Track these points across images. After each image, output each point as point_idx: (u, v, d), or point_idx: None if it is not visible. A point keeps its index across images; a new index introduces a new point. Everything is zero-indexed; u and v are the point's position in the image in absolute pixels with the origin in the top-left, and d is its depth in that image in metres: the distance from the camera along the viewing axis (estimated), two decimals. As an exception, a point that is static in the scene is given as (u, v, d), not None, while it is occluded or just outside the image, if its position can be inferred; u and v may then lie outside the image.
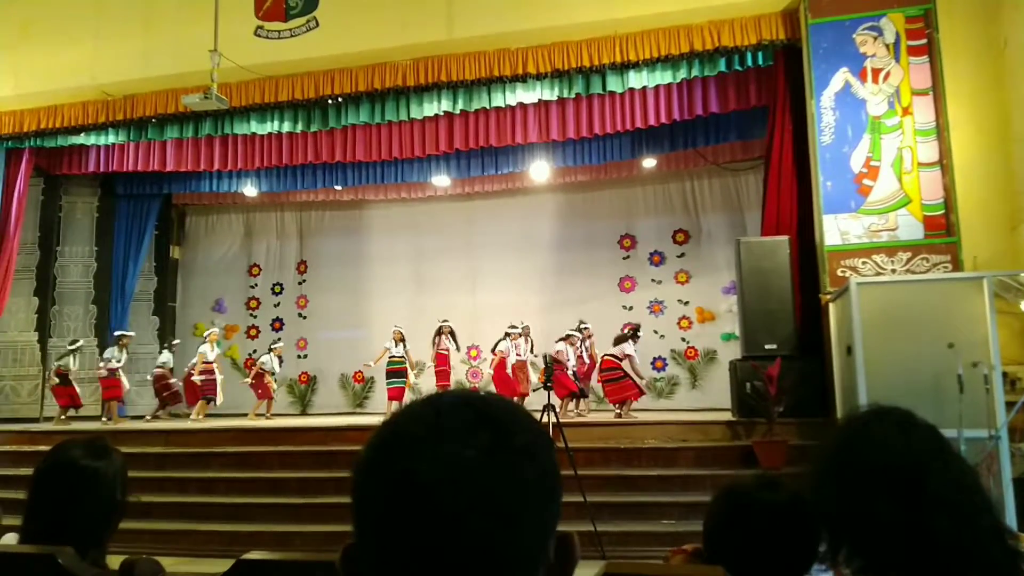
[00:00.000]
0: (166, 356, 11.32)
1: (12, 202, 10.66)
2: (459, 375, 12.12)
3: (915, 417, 1.19)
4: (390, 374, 10.77)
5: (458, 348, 11.13)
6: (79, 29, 9.41)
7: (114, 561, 1.72)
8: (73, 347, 10.71)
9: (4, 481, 7.46)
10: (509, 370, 10.18)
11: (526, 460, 0.67)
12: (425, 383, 11.42)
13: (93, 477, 1.66)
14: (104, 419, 10.64)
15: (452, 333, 11.01)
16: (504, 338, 10.31)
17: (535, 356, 10.30)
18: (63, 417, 10.48)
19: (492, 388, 10.18)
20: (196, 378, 10.99)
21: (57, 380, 10.50)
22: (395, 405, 10.49)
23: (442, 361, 10.98)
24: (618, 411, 9.36)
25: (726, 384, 8.63)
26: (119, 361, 10.73)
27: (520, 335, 10.37)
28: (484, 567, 0.63)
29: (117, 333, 11.17)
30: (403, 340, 10.93)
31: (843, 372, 6.85)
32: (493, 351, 10.51)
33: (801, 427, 7.12)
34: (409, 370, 10.84)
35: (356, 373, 12.17)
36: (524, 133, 9.40)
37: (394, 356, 10.83)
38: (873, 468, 1.13)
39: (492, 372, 10.33)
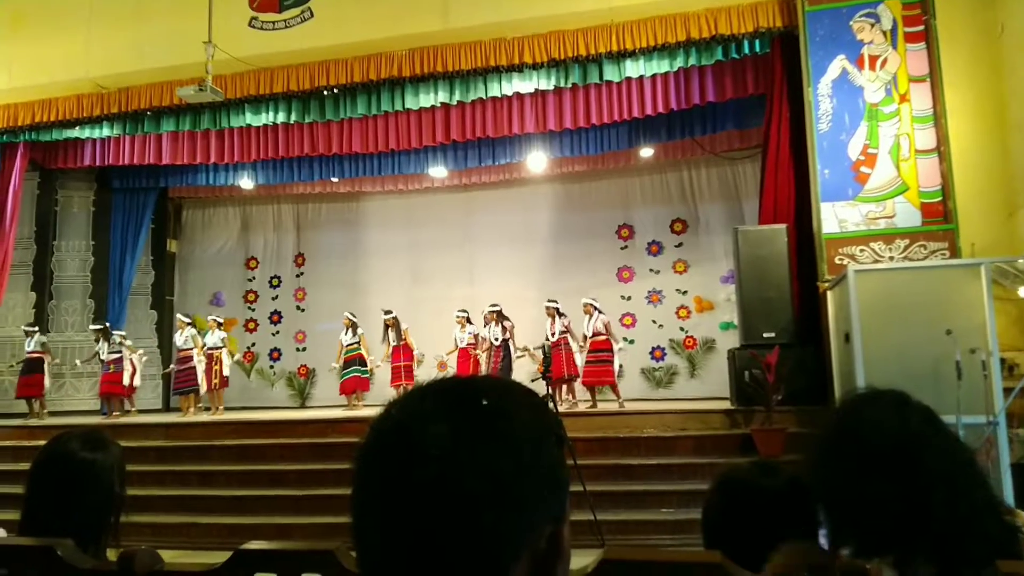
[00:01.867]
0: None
1: (7, 196, 10.63)
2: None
3: (909, 398, 1.19)
4: (346, 363, 10.81)
5: (398, 342, 10.67)
6: (72, 21, 9.36)
7: (114, 554, 1.72)
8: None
9: (3, 476, 7.47)
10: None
11: (513, 446, 0.67)
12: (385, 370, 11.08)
13: (91, 469, 1.66)
14: (116, 412, 10.64)
15: (395, 326, 10.66)
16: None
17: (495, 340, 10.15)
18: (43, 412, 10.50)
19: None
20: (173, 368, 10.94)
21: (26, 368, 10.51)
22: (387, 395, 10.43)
23: (397, 357, 10.67)
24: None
25: (725, 373, 8.64)
26: (105, 353, 10.68)
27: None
28: (463, 548, 0.63)
29: (92, 327, 11.10)
30: (354, 326, 10.91)
31: (841, 360, 6.86)
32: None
33: (799, 415, 7.13)
34: (366, 355, 10.81)
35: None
36: (521, 123, 9.37)
37: (348, 344, 10.84)
38: (869, 449, 1.13)
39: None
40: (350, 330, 10.92)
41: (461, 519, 0.63)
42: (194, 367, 10.66)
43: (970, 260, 6.52)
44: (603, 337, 9.38)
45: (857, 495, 1.12)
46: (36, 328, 10.83)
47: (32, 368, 10.52)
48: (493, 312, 10.06)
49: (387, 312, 10.82)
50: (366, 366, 10.84)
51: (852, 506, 1.13)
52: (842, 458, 1.16)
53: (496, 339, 9.94)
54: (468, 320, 10.49)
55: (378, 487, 0.67)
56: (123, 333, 11.07)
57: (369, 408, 10.43)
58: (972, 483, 1.11)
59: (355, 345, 10.83)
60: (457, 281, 12.25)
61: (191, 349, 10.76)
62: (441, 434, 0.65)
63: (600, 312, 9.57)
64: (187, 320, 11.14)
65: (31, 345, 10.61)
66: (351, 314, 11.04)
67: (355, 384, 10.76)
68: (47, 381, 10.65)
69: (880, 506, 1.09)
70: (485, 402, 0.70)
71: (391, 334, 10.71)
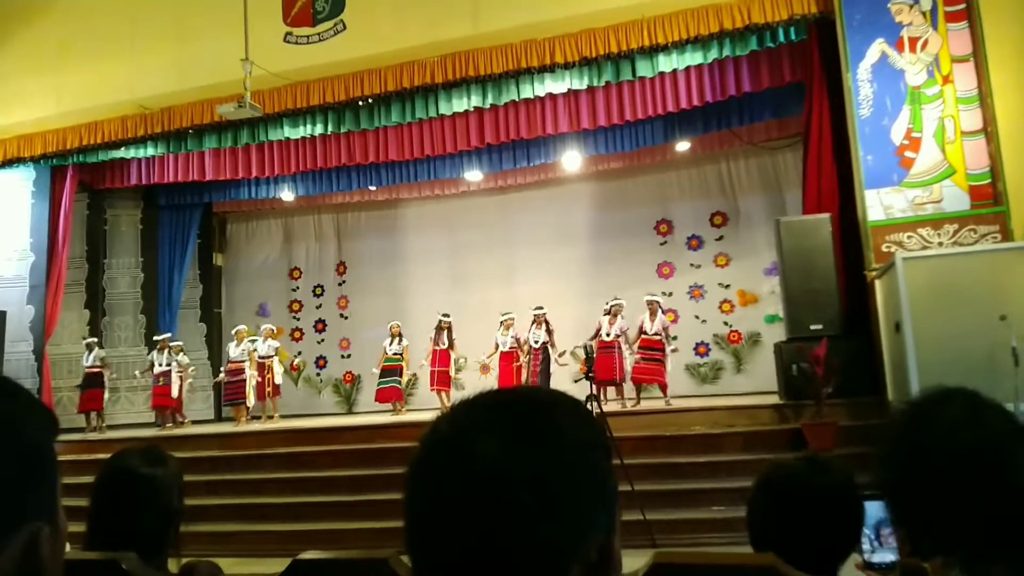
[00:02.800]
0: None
1: (59, 218, 10.99)
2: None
3: (982, 397, 1.15)
4: (384, 372, 10.84)
5: (451, 347, 10.76)
6: (116, 47, 9.63)
7: (176, 565, 1.77)
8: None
9: (65, 489, 7.68)
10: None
11: (563, 458, 0.68)
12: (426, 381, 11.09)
13: (151, 484, 1.71)
14: (169, 424, 10.89)
15: (448, 330, 10.75)
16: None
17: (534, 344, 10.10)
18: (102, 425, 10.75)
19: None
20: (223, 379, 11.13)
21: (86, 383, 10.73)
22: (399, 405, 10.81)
23: (434, 361, 10.68)
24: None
25: (772, 367, 8.51)
26: (161, 365, 10.89)
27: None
28: (516, 561, 0.64)
29: (155, 338, 11.30)
30: (400, 335, 10.98)
31: (892, 350, 6.71)
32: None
33: (851, 407, 7.00)
34: (404, 368, 10.86)
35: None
36: (555, 123, 9.37)
37: (392, 353, 10.88)
38: (947, 452, 1.09)
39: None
40: (396, 340, 10.97)
41: (514, 533, 0.64)
42: (244, 379, 10.80)
43: (1023, 243, 6.32)
44: (659, 337, 9.32)
45: (933, 500, 1.09)
46: (96, 341, 11.11)
47: (92, 383, 10.79)
48: (541, 316, 10.08)
49: (445, 315, 10.85)
50: (401, 377, 10.89)
51: (927, 510, 1.10)
52: (916, 463, 1.12)
53: (536, 342, 9.94)
54: (513, 323, 10.49)
55: (431, 502, 0.68)
56: (181, 344, 11.33)
57: (413, 413, 10.53)
58: None
59: (398, 356, 10.89)
60: (497, 283, 12.28)
61: (243, 361, 10.90)
62: (491, 450, 0.66)
63: (663, 312, 9.54)
64: (245, 331, 11.25)
65: (90, 360, 10.88)
66: (399, 324, 11.12)
67: (390, 395, 10.82)
68: (106, 395, 10.94)
69: (957, 511, 1.06)
70: (533, 415, 0.70)
71: (444, 337, 10.72)
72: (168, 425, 10.85)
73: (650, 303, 9.52)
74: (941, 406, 1.14)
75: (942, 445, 1.10)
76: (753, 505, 1.54)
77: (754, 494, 1.54)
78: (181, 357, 11.09)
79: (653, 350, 9.28)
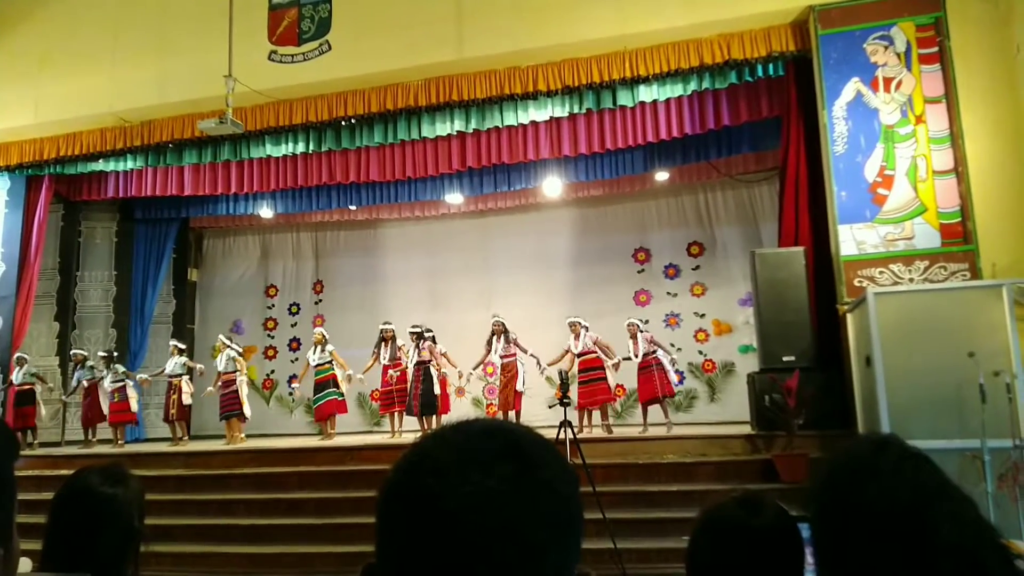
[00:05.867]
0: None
1: (33, 228, 10.84)
2: (475, 391, 12.08)
3: (904, 450, 1.13)
4: (317, 386, 10.47)
5: (393, 359, 10.17)
6: (97, 58, 9.58)
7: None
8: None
9: (27, 505, 7.47)
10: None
11: (550, 494, 0.69)
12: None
13: (110, 504, 1.68)
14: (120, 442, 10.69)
15: (393, 339, 10.15)
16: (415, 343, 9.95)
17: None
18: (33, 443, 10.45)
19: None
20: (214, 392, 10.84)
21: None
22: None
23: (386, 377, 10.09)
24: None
25: (745, 397, 8.55)
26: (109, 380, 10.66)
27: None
28: None
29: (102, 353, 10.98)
30: (324, 342, 10.49)
31: (863, 383, 6.78)
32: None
33: (822, 440, 7.04)
34: (339, 371, 10.42)
35: (372, 392, 12.13)
36: (536, 150, 9.43)
37: (318, 364, 10.45)
38: (869, 519, 1.07)
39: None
40: (320, 347, 10.52)
41: (500, 561, 0.64)
42: (236, 390, 10.43)
43: (991, 281, 6.45)
44: (594, 355, 9.37)
45: (856, 552, 1.07)
46: (25, 357, 10.62)
47: (23, 400, 10.40)
48: (412, 333, 9.95)
49: (386, 323, 10.50)
50: (337, 387, 10.47)
51: (849, 561, 1.08)
52: (838, 526, 1.10)
53: (413, 361, 9.80)
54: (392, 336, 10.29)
55: (418, 525, 0.67)
56: (100, 352, 11.06)
57: (376, 436, 10.41)
58: (984, 548, 1.04)
59: (327, 365, 10.50)
60: (475, 305, 12.26)
61: (234, 372, 10.53)
62: (485, 483, 0.67)
63: (587, 329, 9.58)
64: (227, 342, 10.89)
65: (20, 377, 10.44)
66: (322, 332, 10.77)
67: (328, 408, 10.43)
68: (42, 410, 10.66)
69: (878, 567, 1.05)
70: (525, 447, 0.71)
71: (388, 351, 10.26)
72: (112, 440, 10.58)
73: (573, 325, 9.61)
74: (873, 457, 1.14)
75: (863, 511, 1.08)
76: (693, 549, 1.51)
77: (693, 538, 1.52)
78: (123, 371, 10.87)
79: (591, 369, 9.32)
